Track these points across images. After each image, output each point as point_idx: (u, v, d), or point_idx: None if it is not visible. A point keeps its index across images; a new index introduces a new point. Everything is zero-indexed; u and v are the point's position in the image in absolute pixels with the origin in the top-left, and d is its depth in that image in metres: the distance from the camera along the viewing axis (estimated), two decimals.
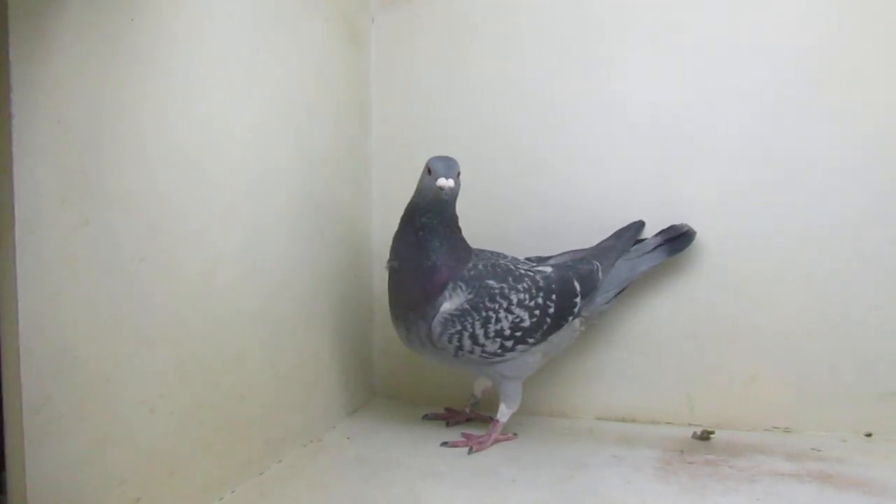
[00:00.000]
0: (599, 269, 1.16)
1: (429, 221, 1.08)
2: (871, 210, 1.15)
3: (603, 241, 1.22)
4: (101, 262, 0.78)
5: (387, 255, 1.15)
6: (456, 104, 1.33)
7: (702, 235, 1.22)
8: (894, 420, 1.16)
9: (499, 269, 1.12)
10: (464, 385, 1.29)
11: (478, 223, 1.27)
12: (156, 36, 0.84)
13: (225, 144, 0.97)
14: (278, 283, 1.09)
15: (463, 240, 1.13)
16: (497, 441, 1.16)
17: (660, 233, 1.21)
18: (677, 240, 1.20)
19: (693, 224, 1.21)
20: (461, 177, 1.08)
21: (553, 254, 1.22)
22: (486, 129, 1.32)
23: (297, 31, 1.14)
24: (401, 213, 1.14)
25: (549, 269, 1.15)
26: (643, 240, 1.23)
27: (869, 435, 1.17)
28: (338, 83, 1.27)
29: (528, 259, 1.20)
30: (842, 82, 1.16)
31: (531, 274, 1.13)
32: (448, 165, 1.06)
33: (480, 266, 1.12)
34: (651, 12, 1.23)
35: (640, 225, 1.23)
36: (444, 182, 1.04)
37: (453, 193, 1.07)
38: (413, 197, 1.11)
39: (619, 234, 1.22)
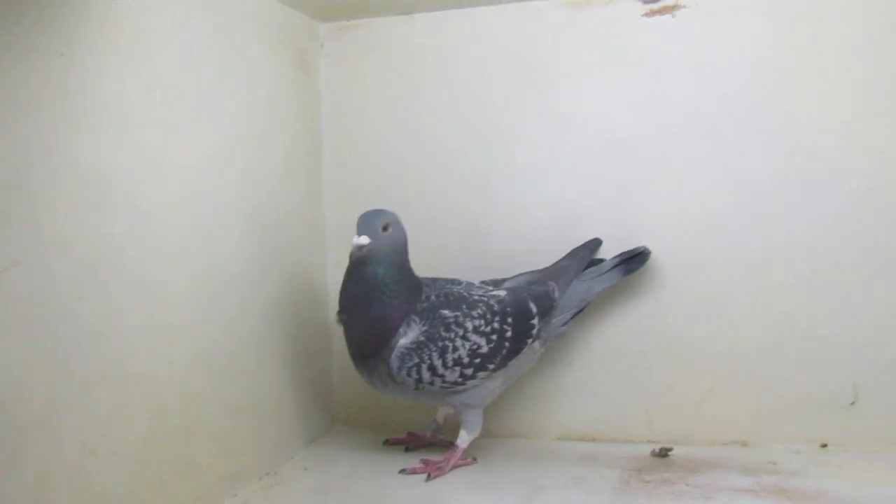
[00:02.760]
0: (555, 289, 1.16)
1: (371, 271, 1.07)
2: (826, 226, 1.17)
3: (559, 261, 1.22)
4: (35, 303, 0.76)
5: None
6: (407, 131, 1.33)
7: (657, 253, 1.22)
8: (848, 430, 1.17)
9: (452, 298, 1.12)
10: (426, 410, 1.27)
11: (433, 248, 1.29)
12: (87, 70, 0.83)
13: (168, 179, 0.95)
14: (229, 318, 1.08)
15: (410, 274, 1.12)
16: (456, 466, 1.15)
17: (616, 255, 1.21)
18: (632, 260, 1.21)
19: (647, 242, 1.22)
20: (395, 227, 1.09)
21: (509, 276, 1.22)
22: (437, 155, 1.32)
23: (243, 59, 1.13)
24: None
25: (503, 293, 1.15)
26: (601, 260, 1.23)
27: (824, 446, 1.18)
28: (288, 112, 1.26)
29: (484, 282, 1.19)
30: (796, 99, 1.18)
31: (485, 299, 1.13)
32: (367, 222, 1.06)
33: (433, 297, 1.11)
34: (600, 35, 1.24)
35: (596, 243, 1.23)
36: (356, 240, 1.04)
37: (370, 252, 1.05)
38: None
39: (573, 254, 1.22)
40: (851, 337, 1.17)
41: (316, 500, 1.07)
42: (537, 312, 1.13)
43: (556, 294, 1.16)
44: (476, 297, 1.13)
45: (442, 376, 1.08)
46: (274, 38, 1.22)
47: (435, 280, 1.16)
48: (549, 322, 1.16)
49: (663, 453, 1.18)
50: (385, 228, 1.07)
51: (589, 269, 1.21)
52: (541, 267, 1.22)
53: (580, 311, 1.20)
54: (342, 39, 1.35)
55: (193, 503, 0.98)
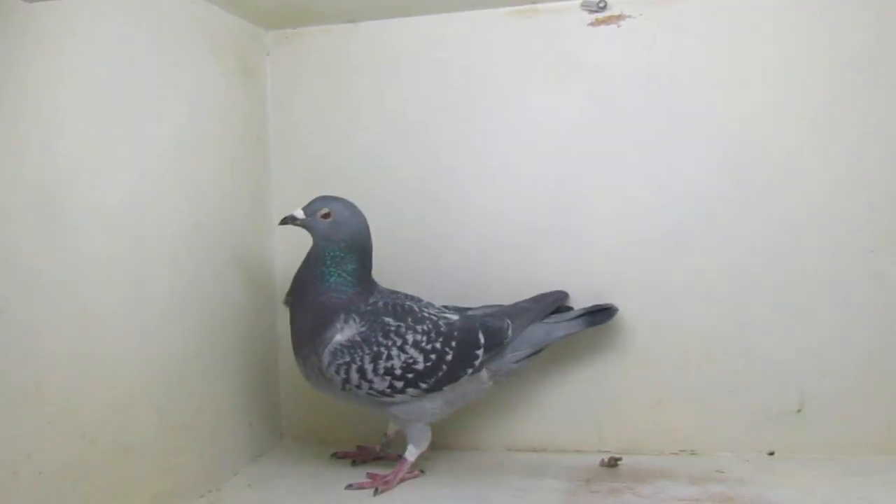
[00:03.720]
0: (510, 326, 1.14)
1: (316, 253, 1.11)
2: (772, 235, 1.18)
3: (521, 302, 1.20)
4: None
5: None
6: (352, 139, 1.32)
7: (607, 262, 1.23)
8: (795, 438, 1.18)
9: (399, 308, 1.10)
10: (376, 425, 1.26)
11: (376, 256, 1.27)
12: (8, 75, 0.80)
13: (101, 188, 0.93)
14: (169, 333, 1.05)
15: (363, 273, 1.12)
16: (403, 480, 1.13)
17: (585, 307, 1.20)
18: (599, 313, 1.20)
19: (594, 255, 1.23)
20: (339, 217, 1.11)
21: (472, 306, 1.20)
22: (382, 165, 1.31)
23: (183, 66, 1.11)
24: (303, 246, 1.15)
25: (455, 317, 1.13)
26: (569, 308, 1.22)
27: (772, 454, 1.18)
28: (231, 118, 1.24)
29: (445, 306, 1.17)
30: (741, 108, 1.19)
31: (434, 318, 1.11)
32: (312, 202, 1.12)
33: (381, 303, 1.10)
34: (547, 44, 1.24)
35: (561, 295, 1.22)
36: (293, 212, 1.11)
37: (298, 224, 1.12)
38: None
39: (538, 299, 1.21)
40: (798, 345, 1.18)
41: None
42: (484, 344, 1.11)
43: (510, 332, 1.14)
44: (425, 315, 1.11)
45: (370, 382, 1.07)
46: (218, 45, 1.20)
47: (394, 292, 1.15)
48: (500, 356, 1.14)
49: (613, 463, 1.17)
50: (325, 216, 1.10)
51: (554, 315, 1.20)
52: (475, 290, 1.24)
53: (537, 352, 1.18)
54: (287, 47, 1.33)
55: None
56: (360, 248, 1.12)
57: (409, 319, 1.09)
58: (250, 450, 1.26)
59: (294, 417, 1.37)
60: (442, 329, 1.10)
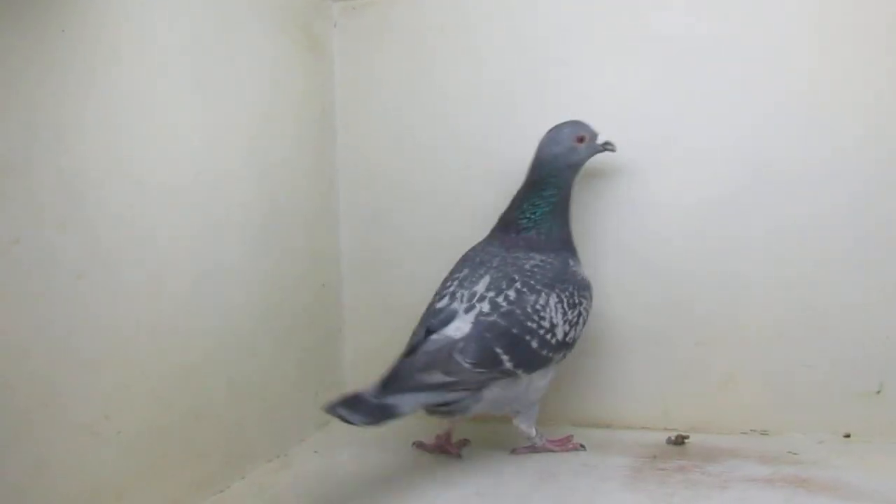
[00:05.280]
0: None
1: None
2: (851, 210, 1.14)
3: None
4: (33, 281, 0.75)
5: (356, 262, 1.32)
6: (420, 111, 1.31)
7: (677, 235, 1.20)
8: (872, 420, 1.13)
9: None
10: None
11: (443, 232, 1.29)
12: (93, 49, 0.82)
13: (172, 157, 0.95)
14: (236, 298, 1.07)
15: None
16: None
17: None
18: None
19: (662, 226, 1.20)
20: None
21: None
22: (451, 136, 1.30)
23: (250, 40, 1.12)
24: (371, 219, 1.30)
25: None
26: None
27: (847, 436, 1.15)
28: (297, 91, 1.24)
29: None
30: (819, 84, 1.14)
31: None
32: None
33: None
34: (615, 14, 1.21)
35: None
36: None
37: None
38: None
39: None
40: (876, 324, 1.13)
41: (324, 482, 1.06)
42: None
43: None
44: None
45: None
46: (284, 18, 1.20)
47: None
48: None
49: (679, 441, 1.15)
50: None
51: None
52: None
53: None
54: (355, 19, 1.33)
55: (199, 484, 0.98)
56: None
57: None
58: (316, 418, 1.28)
59: (359, 386, 1.38)
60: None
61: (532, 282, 1.04)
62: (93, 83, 0.83)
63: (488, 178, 1.28)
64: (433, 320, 1.02)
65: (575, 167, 1.12)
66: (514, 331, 1.00)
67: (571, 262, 1.09)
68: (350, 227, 1.35)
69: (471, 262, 1.10)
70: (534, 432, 1.11)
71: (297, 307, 1.22)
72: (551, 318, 1.03)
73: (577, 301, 1.06)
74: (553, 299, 1.04)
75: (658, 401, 1.23)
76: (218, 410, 1.02)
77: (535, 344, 1.01)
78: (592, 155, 1.13)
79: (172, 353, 0.94)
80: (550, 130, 1.12)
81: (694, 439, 1.16)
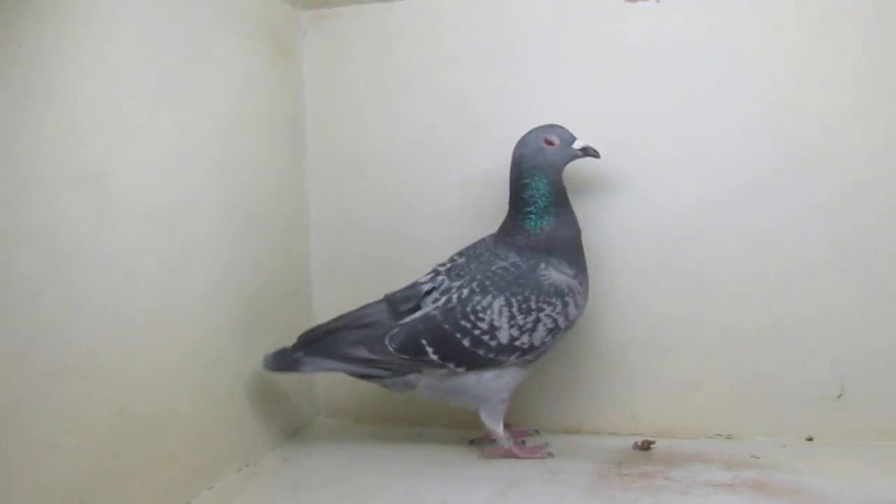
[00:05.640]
0: None
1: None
2: (815, 216, 1.15)
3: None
4: None
5: (326, 269, 1.34)
6: (390, 118, 1.31)
7: (643, 242, 1.21)
8: (835, 424, 1.15)
9: None
10: (413, 402, 1.27)
11: (416, 237, 1.30)
12: (52, 58, 0.82)
13: (135, 170, 0.95)
14: (203, 306, 1.07)
15: None
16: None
17: None
18: None
19: (633, 230, 1.21)
20: None
21: None
22: (420, 143, 1.30)
23: (219, 48, 1.12)
24: (341, 225, 1.32)
25: None
26: None
27: (810, 439, 1.16)
28: (267, 99, 1.25)
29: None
30: (785, 87, 1.16)
31: None
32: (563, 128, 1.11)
33: None
34: (584, 21, 1.22)
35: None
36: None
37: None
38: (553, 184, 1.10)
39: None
40: (838, 328, 1.15)
41: (292, 492, 1.06)
42: None
43: None
44: None
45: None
46: (253, 25, 1.20)
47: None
48: None
49: (646, 446, 1.17)
50: None
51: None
52: None
53: None
54: (324, 27, 1.33)
55: (165, 495, 0.98)
56: None
57: None
58: (287, 426, 1.29)
59: (330, 395, 1.39)
60: None
61: (488, 283, 1.07)
62: (52, 92, 0.82)
63: (459, 184, 1.29)
64: (401, 294, 1.13)
65: (545, 169, 1.09)
66: (446, 327, 1.06)
67: (542, 267, 1.07)
68: (320, 234, 1.36)
69: (469, 253, 1.15)
70: (500, 432, 1.12)
71: (266, 314, 1.22)
72: (492, 320, 1.05)
73: (533, 307, 1.05)
74: (499, 303, 1.06)
75: (626, 406, 1.24)
76: (184, 419, 1.02)
77: (466, 342, 1.05)
78: (567, 160, 1.11)
79: (136, 363, 0.94)
80: (519, 141, 1.12)
81: (660, 444, 1.17)
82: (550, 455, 1.13)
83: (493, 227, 1.23)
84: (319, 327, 1.14)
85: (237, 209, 1.16)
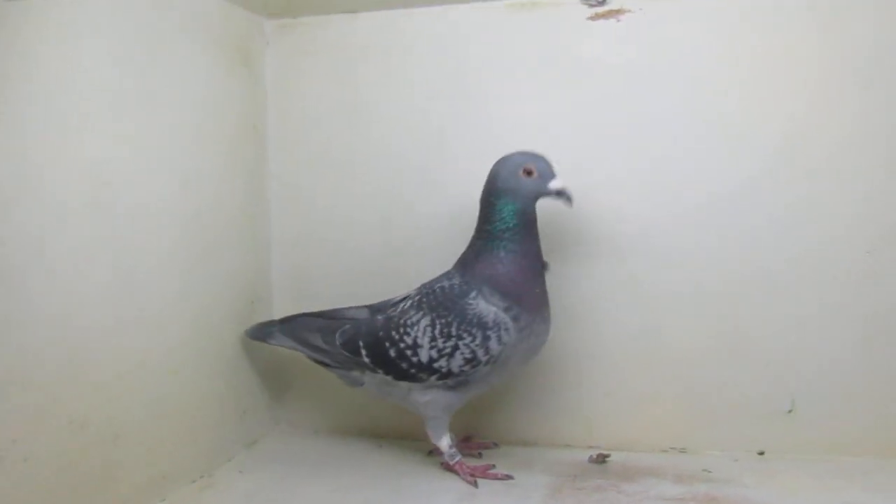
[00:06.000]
0: None
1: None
2: (765, 232, 1.17)
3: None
4: None
5: (287, 280, 1.34)
6: (354, 130, 1.32)
7: (600, 257, 1.22)
8: (784, 438, 1.17)
9: None
10: (373, 412, 1.29)
11: (380, 247, 1.31)
12: (4, 65, 0.81)
13: (91, 178, 0.94)
14: (162, 319, 1.06)
15: None
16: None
17: None
18: None
19: (585, 249, 1.22)
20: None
21: None
22: (381, 154, 1.31)
23: (180, 56, 1.11)
24: (302, 237, 1.31)
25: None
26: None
27: (761, 453, 1.18)
28: (230, 109, 1.24)
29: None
30: (739, 104, 1.18)
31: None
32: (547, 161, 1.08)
33: None
34: (545, 38, 1.23)
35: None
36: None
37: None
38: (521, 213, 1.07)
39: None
40: (789, 344, 1.17)
41: (248, 503, 1.05)
42: None
43: None
44: None
45: None
46: (216, 34, 1.20)
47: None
48: None
49: (601, 459, 1.18)
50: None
51: None
52: None
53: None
54: (288, 36, 1.33)
55: None
56: None
57: None
58: (245, 436, 1.28)
59: (289, 405, 1.38)
60: None
61: (424, 300, 1.09)
62: (4, 100, 0.82)
63: (418, 199, 1.29)
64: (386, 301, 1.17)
65: (514, 195, 1.06)
66: (380, 334, 1.09)
67: (473, 295, 1.05)
68: (281, 244, 1.36)
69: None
70: (443, 446, 1.12)
71: (224, 324, 1.22)
72: (416, 337, 1.07)
73: (454, 333, 1.04)
74: (425, 322, 1.07)
75: (582, 419, 1.25)
76: (138, 430, 1.01)
77: (392, 353, 1.08)
78: (539, 195, 1.07)
79: (88, 374, 0.93)
80: (503, 157, 1.10)
81: (615, 457, 1.19)
82: (509, 477, 1.11)
83: (454, 241, 1.25)
84: (307, 313, 1.21)
85: (197, 218, 1.15)
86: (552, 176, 1.07)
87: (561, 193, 1.07)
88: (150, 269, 1.04)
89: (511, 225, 1.06)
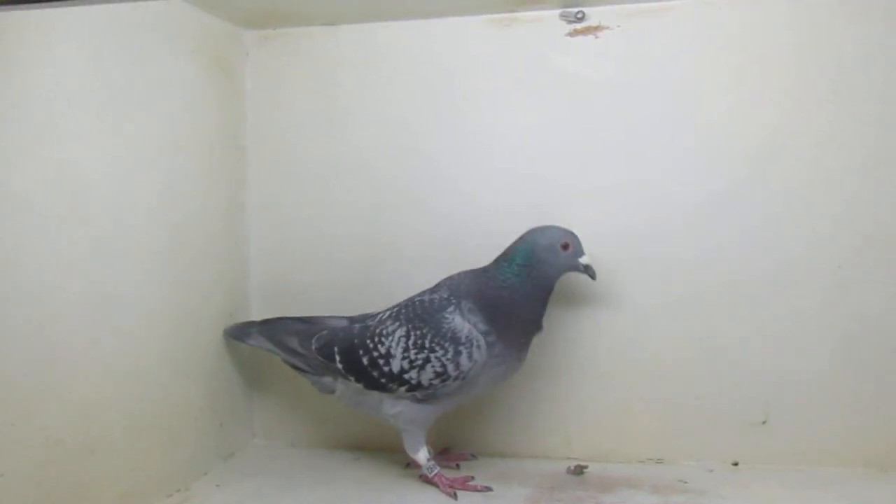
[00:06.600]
0: None
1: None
2: (739, 243, 1.19)
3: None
4: None
5: (266, 291, 1.35)
6: (331, 141, 1.32)
7: (575, 274, 1.22)
8: (759, 449, 1.19)
9: None
10: (349, 426, 1.29)
11: (356, 260, 1.30)
12: None
13: (69, 189, 0.93)
14: (135, 329, 1.05)
15: None
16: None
17: None
18: None
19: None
20: None
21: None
22: (363, 166, 1.31)
23: (159, 66, 1.11)
24: (281, 248, 1.32)
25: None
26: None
27: (736, 464, 1.20)
28: (209, 119, 1.24)
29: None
30: (715, 120, 1.19)
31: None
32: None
33: None
34: (524, 53, 1.24)
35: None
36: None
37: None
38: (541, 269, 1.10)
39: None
40: (763, 357, 1.19)
41: None
42: None
43: None
44: None
45: None
46: (196, 45, 1.19)
47: None
48: None
49: (579, 471, 1.19)
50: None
51: None
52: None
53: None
54: (267, 47, 1.33)
55: None
56: None
57: None
58: (221, 450, 1.27)
59: (266, 418, 1.37)
60: None
61: (403, 311, 1.11)
62: None
63: (397, 211, 1.30)
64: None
65: (549, 265, 1.10)
66: (355, 341, 1.11)
67: (450, 309, 1.07)
68: (260, 256, 1.35)
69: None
70: (420, 459, 1.13)
71: (201, 336, 1.21)
72: (389, 346, 1.08)
73: (427, 346, 1.06)
74: (400, 332, 1.08)
75: (560, 430, 1.25)
76: (114, 444, 1.00)
77: (365, 360, 1.09)
78: (570, 268, 1.12)
79: (63, 388, 0.92)
80: (543, 227, 1.13)
81: (593, 468, 1.19)
82: (488, 489, 1.12)
83: (434, 252, 1.25)
84: (288, 317, 1.21)
85: (175, 229, 1.14)
86: (582, 252, 1.12)
87: (587, 269, 1.12)
88: (127, 282, 1.04)
89: (531, 284, 1.09)
